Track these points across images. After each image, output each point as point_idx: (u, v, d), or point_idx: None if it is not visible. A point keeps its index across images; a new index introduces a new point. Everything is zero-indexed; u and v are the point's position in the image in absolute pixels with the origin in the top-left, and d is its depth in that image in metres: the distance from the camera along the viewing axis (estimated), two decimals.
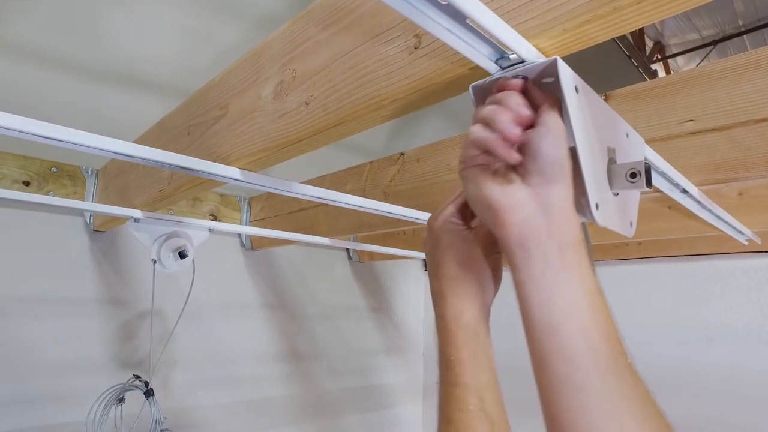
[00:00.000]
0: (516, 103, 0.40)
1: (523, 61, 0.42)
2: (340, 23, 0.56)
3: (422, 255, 1.69)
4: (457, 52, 0.42)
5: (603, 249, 1.78)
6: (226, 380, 1.59)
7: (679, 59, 4.77)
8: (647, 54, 4.42)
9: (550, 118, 0.40)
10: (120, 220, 1.19)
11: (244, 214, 1.63)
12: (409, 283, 2.26)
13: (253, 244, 1.68)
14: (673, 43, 4.65)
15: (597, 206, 0.42)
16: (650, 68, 4.26)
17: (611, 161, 0.47)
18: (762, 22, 3.99)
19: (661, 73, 4.67)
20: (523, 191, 0.39)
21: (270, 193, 1.53)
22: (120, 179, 1.17)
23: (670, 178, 0.73)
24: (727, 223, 1.01)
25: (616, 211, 0.47)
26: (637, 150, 0.56)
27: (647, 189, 0.44)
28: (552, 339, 0.37)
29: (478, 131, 0.41)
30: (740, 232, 1.11)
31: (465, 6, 0.36)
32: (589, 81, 0.44)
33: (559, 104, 0.40)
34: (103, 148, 0.63)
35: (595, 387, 0.35)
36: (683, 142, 0.74)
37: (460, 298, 0.45)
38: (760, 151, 0.69)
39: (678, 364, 1.61)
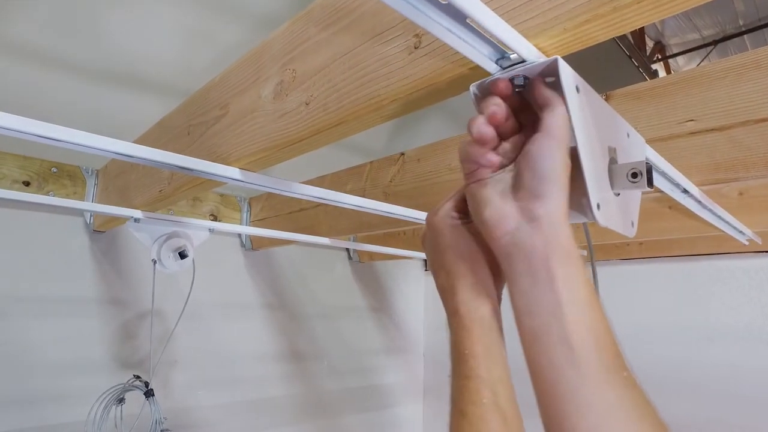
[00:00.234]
0: (492, 103, 0.41)
1: (523, 61, 0.42)
2: (340, 23, 0.56)
3: (422, 255, 1.69)
4: (457, 52, 0.42)
5: (604, 249, 1.77)
6: (226, 380, 1.59)
7: (680, 59, 4.77)
8: (648, 54, 4.42)
9: (550, 122, 0.39)
10: (120, 220, 1.19)
11: (245, 214, 1.63)
12: (410, 283, 2.26)
13: (253, 244, 1.68)
14: (673, 43, 4.65)
15: (598, 206, 0.42)
16: (651, 68, 4.26)
17: (612, 161, 0.47)
18: (763, 22, 3.99)
19: (662, 73, 4.67)
20: (509, 205, 0.40)
21: (270, 193, 1.53)
22: (120, 179, 1.17)
23: (670, 178, 0.73)
24: (727, 223, 1.01)
25: (618, 211, 0.47)
26: (638, 150, 0.56)
27: (648, 189, 0.44)
28: (537, 346, 0.37)
29: (462, 144, 0.43)
30: (741, 232, 1.11)
31: (465, 5, 0.36)
32: (589, 81, 0.44)
33: (563, 105, 0.40)
34: (103, 148, 0.63)
35: (584, 396, 0.35)
36: (684, 142, 0.74)
37: (472, 292, 0.45)
38: (760, 151, 0.69)
39: (678, 364, 1.61)
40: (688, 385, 1.57)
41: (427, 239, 0.50)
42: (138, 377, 1.19)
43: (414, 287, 2.27)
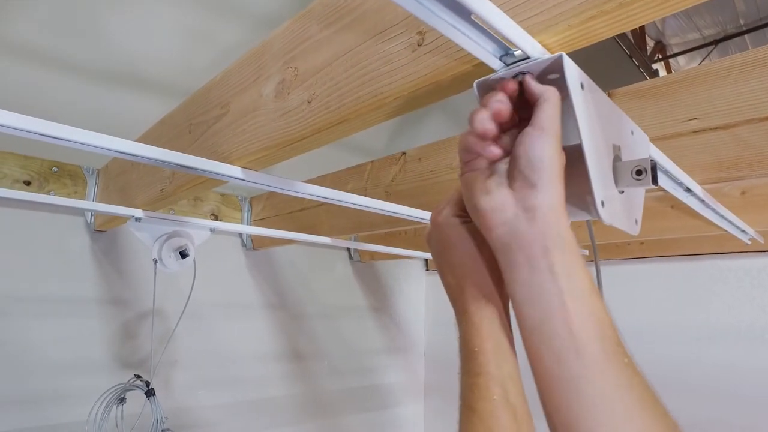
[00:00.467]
0: (496, 99, 0.41)
1: (527, 58, 0.41)
2: (342, 21, 0.55)
3: (424, 254, 1.69)
4: (461, 49, 0.41)
5: (605, 248, 1.77)
6: (227, 380, 1.58)
7: (680, 59, 4.77)
8: (648, 53, 4.42)
9: (540, 115, 0.39)
10: (121, 219, 1.19)
11: (246, 214, 1.63)
12: (411, 282, 2.25)
13: (254, 244, 1.68)
14: (674, 43, 4.65)
15: (603, 204, 0.42)
16: (651, 68, 4.26)
17: (617, 159, 0.46)
18: (763, 22, 3.99)
19: (662, 73, 4.67)
20: (505, 195, 0.40)
21: (271, 193, 1.53)
22: (121, 179, 1.17)
23: (673, 176, 0.72)
24: (730, 222, 1.01)
25: (622, 209, 0.46)
26: (643, 147, 0.56)
27: (653, 186, 0.44)
28: (537, 335, 0.37)
29: (463, 135, 0.43)
30: (743, 231, 1.11)
31: (470, 1, 0.35)
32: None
33: (557, 98, 0.40)
34: (104, 146, 0.63)
35: (586, 384, 0.35)
36: (687, 140, 0.73)
37: (480, 290, 0.45)
38: (764, 149, 0.68)
39: (680, 364, 1.61)
40: (689, 384, 1.57)
41: (432, 238, 0.50)
42: (139, 377, 1.18)
43: (415, 287, 2.27)
